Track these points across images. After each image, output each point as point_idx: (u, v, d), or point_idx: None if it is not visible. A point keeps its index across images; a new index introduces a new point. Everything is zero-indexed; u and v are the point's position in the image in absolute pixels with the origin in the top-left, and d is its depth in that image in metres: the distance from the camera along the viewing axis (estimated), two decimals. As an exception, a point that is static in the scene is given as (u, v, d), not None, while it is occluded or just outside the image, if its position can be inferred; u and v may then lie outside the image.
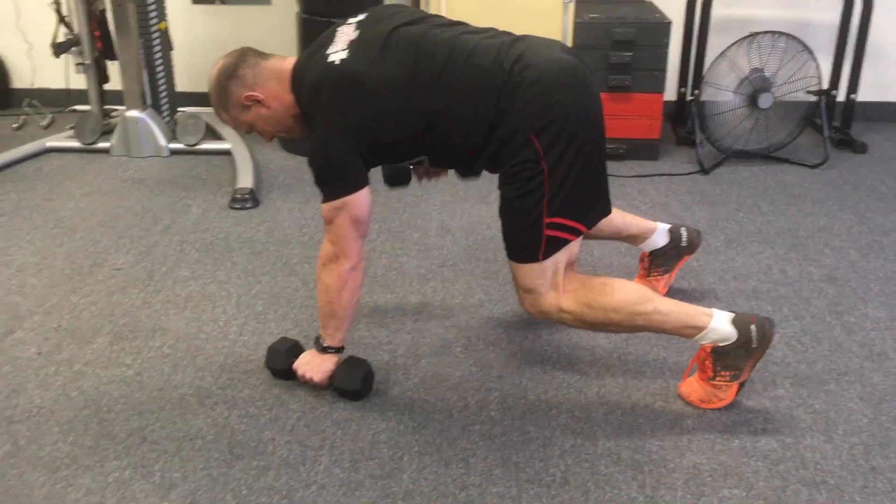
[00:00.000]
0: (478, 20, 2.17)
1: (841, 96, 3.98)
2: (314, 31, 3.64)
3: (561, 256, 2.00)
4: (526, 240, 1.97)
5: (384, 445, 1.94)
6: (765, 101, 3.55)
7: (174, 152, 3.79)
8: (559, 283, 2.01)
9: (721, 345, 1.96)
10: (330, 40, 2.02)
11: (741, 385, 2.00)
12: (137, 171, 3.60)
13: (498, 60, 1.90)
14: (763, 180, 3.52)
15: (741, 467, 1.86)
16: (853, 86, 3.91)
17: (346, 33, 2.01)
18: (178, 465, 1.87)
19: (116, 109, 4.09)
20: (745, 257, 2.83)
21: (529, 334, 2.38)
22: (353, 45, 1.96)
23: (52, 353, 2.28)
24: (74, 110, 4.34)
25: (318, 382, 2.09)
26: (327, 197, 1.96)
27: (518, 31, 2.05)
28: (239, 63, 2.04)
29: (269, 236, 2.98)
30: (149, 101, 3.80)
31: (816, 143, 3.89)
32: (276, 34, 4.21)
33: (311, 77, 1.97)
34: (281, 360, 2.14)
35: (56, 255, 2.84)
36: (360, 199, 1.96)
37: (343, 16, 3.54)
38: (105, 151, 3.79)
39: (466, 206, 3.24)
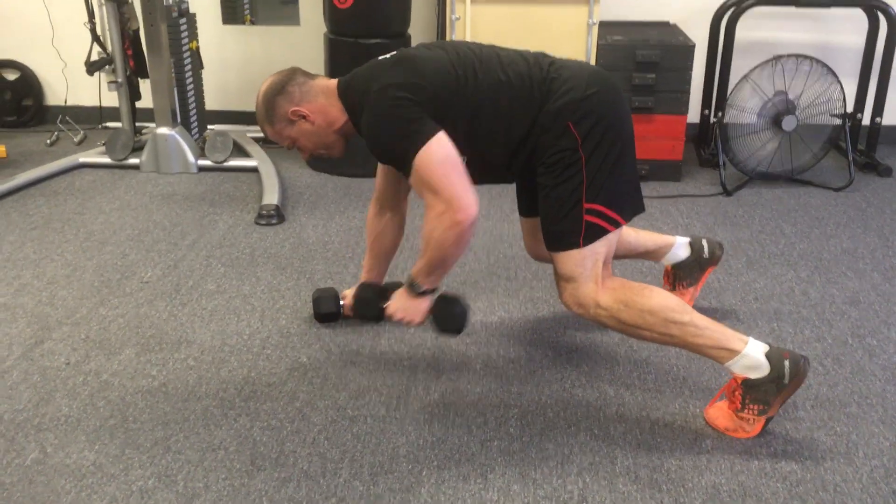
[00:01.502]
0: (503, 41, 2.24)
1: (866, 120, 3.97)
2: (341, 51, 3.73)
3: (601, 248, 2.03)
4: (566, 226, 2.02)
5: (403, 459, 1.95)
6: (788, 123, 3.55)
7: (202, 169, 3.86)
8: (598, 276, 2.04)
9: (752, 377, 1.96)
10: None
11: (768, 420, 2.00)
12: (166, 187, 3.66)
13: (536, 63, 2.05)
14: (786, 203, 3.52)
15: (760, 488, 1.86)
16: (878, 109, 3.90)
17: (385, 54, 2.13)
18: (202, 475, 1.90)
19: (147, 126, 4.18)
20: (767, 279, 2.83)
21: (549, 352, 2.40)
22: (398, 50, 2.11)
23: (80, 363, 2.33)
24: (106, 127, 4.43)
25: (417, 323, 2.15)
26: (411, 154, 1.92)
27: (545, 52, 2.17)
28: (288, 81, 2.14)
29: (293, 252, 3.02)
30: (178, 118, 3.87)
31: (840, 166, 3.89)
32: (304, 54, 4.29)
33: (360, 74, 2.11)
34: (371, 306, 2.25)
35: (86, 267, 2.90)
36: (443, 137, 1.95)
37: (370, 36, 3.65)
38: (135, 167, 3.86)
39: (489, 224, 3.26)
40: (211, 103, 4.25)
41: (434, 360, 2.36)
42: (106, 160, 3.88)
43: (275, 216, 3.29)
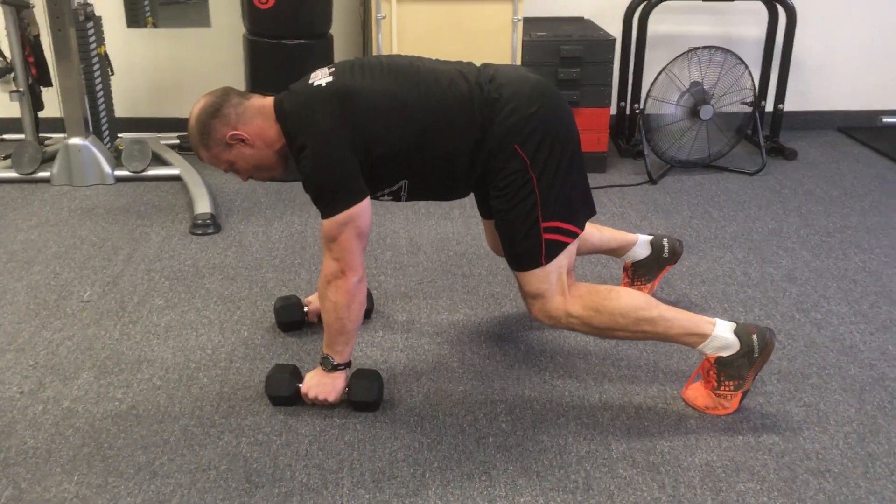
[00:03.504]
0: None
1: (769, 107, 4.19)
2: (263, 52, 3.64)
3: (563, 261, 2.06)
4: (527, 247, 2.04)
5: (403, 463, 1.93)
6: (706, 112, 3.71)
7: (119, 179, 3.68)
8: (564, 287, 2.07)
9: (724, 355, 2.04)
10: (307, 78, 2.08)
11: (744, 393, 2.09)
12: (84, 200, 3.48)
13: (477, 82, 2.02)
14: (708, 188, 3.68)
15: (750, 462, 1.94)
16: (780, 96, 4.12)
17: (322, 71, 2.08)
18: (197, 497, 1.82)
19: (50, 137, 3.95)
20: (709, 262, 2.95)
21: (522, 346, 2.42)
22: (335, 74, 2.03)
23: (35, 391, 2.19)
24: (3, 139, 4.16)
25: (332, 402, 2.08)
26: (330, 212, 1.95)
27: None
28: (222, 102, 2.04)
29: (238, 261, 2.93)
30: (91, 127, 3.68)
31: (750, 151, 4.09)
32: (217, 56, 4.16)
33: (298, 100, 2.02)
34: (285, 387, 2.12)
35: (16, 289, 2.72)
36: (364, 210, 1.97)
37: (292, 37, 3.57)
38: (46, 181, 3.65)
39: (431, 223, 3.26)
40: (119, 110, 4.06)
41: (410, 361, 2.34)
42: (12, 174, 3.64)
43: (211, 225, 3.18)
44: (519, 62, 3.63)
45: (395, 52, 3.56)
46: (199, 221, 3.18)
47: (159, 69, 4.21)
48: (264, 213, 3.36)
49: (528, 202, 1.99)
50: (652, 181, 3.72)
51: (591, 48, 3.68)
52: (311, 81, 2.02)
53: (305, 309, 2.47)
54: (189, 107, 4.31)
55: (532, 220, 2.00)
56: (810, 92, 4.41)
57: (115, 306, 2.62)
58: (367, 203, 1.98)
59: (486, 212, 2.31)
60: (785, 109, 4.16)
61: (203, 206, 3.28)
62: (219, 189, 3.59)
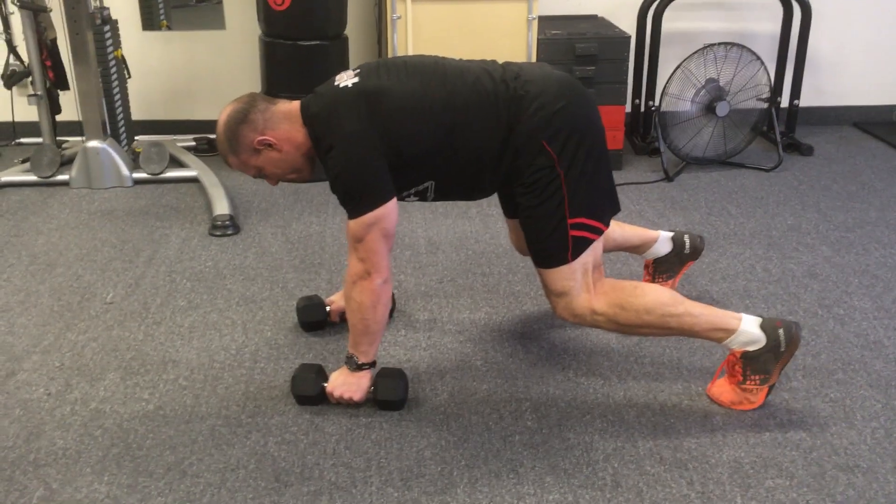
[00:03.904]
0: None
1: (784, 102, 4.18)
2: (279, 53, 3.65)
3: (588, 258, 2.06)
4: (553, 244, 2.03)
5: (430, 462, 1.94)
6: (722, 109, 3.70)
7: (138, 182, 3.70)
8: (590, 284, 2.07)
9: (750, 349, 2.04)
10: (333, 80, 2.09)
11: (770, 388, 2.09)
12: (103, 203, 3.49)
13: (502, 79, 2.02)
14: (724, 185, 3.67)
15: (778, 458, 1.94)
16: (796, 92, 4.11)
17: (348, 73, 2.08)
18: (227, 496, 1.83)
19: (68, 140, 3.98)
20: (728, 258, 2.95)
21: (545, 344, 2.42)
22: (361, 75, 2.04)
23: (62, 392, 2.20)
24: (20, 143, 4.18)
25: (358, 400, 2.08)
26: (357, 213, 1.96)
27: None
28: (249, 108, 2.05)
29: (259, 262, 2.94)
30: (108, 130, 3.69)
31: (765, 147, 4.08)
32: (232, 59, 4.17)
33: (324, 103, 2.03)
34: (311, 386, 2.12)
35: (40, 292, 2.74)
36: (390, 210, 1.97)
37: (308, 38, 3.59)
38: (64, 184, 3.67)
39: (449, 221, 3.26)
40: (136, 113, 4.07)
41: (433, 360, 2.34)
42: (31, 178, 3.66)
43: (230, 226, 3.19)
44: (535, 61, 3.63)
45: (410, 52, 3.56)
46: (219, 223, 3.19)
47: (175, 72, 4.23)
48: (282, 213, 3.37)
49: (556, 199, 2.00)
50: (668, 178, 3.72)
51: (606, 46, 3.68)
52: (336, 83, 2.03)
53: (328, 308, 2.48)
54: (204, 109, 4.37)
55: (559, 216, 2.00)
56: (825, 87, 4.40)
57: (138, 308, 2.63)
58: (393, 204, 1.98)
59: (510, 210, 2.31)
60: (800, 105, 4.15)
61: (222, 207, 3.30)
62: (236, 190, 3.61)
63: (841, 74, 4.39)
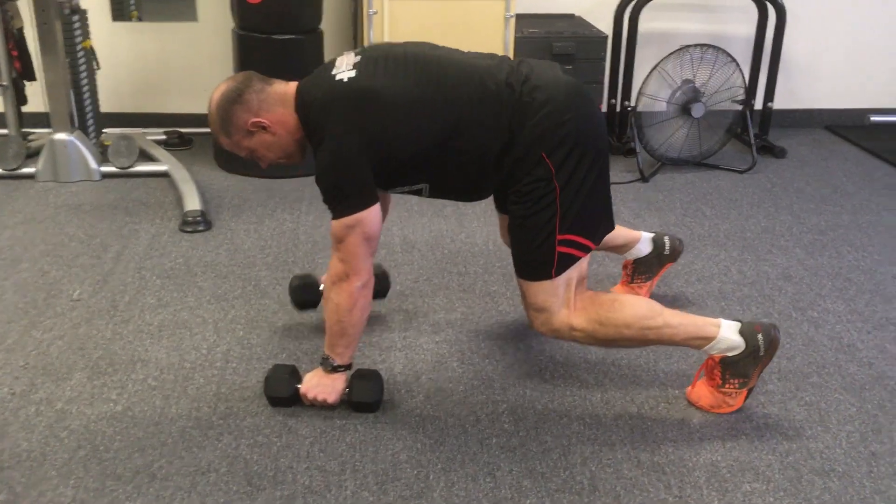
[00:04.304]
0: (422, 36, 2.22)
1: (758, 105, 4.19)
2: (252, 47, 3.60)
3: (573, 273, 2.03)
4: (538, 257, 2.00)
5: (406, 465, 1.91)
6: (697, 110, 3.71)
7: (106, 175, 3.62)
8: (570, 300, 2.04)
9: (730, 355, 2.03)
10: (331, 65, 2.02)
11: (749, 391, 2.08)
12: (70, 197, 3.42)
13: (508, 82, 1.94)
14: (699, 186, 3.68)
15: (755, 462, 1.94)
16: (770, 94, 4.14)
17: (348, 58, 2.02)
18: (198, 500, 1.79)
19: (33, 132, 3.88)
20: (703, 260, 2.95)
21: (521, 345, 2.40)
22: (359, 66, 1.96)
23: (27, 392, 2.14)
24: (-16, 135, 4.07)
25: (332, 403, 2.05)
26: (339, 214, 1.92)
27: (462, 46, 2.12)
28: (244, 88, 2.00)
29: (231, 259, 2.89)
30: (76, 122, 3.62)
31: (738, 149, 4.09)
32: (205, 51, 4.10)
33: (318, 94, 1.95)
34: (284, 388, 2.08)
35: (4, 288, 2.66)
36: (373, 216, 1.93)
37: (282, 32, 3.53)
38: (30, 177, 3.58)
39: (424, 220, 3.23)
40: (104, 105, 3.99)
41: (409, 361, 2.31)
42: (-4, 170, 3.57)
43: (201, 222, 3.13)
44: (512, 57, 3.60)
45: (386, 47, 3.52)
46: (190, 218, 3.13)
47: (145, 64, 4.15)
48: (255, 210, 3.32)
49: (548, 212, 1.94)
50: (644, 179, 3.71)
51: (584, 45, 3.67)
52: (333, 72, 1.96)
53: (321, 287, 2.42)
54: (175, 102, 4.30)
55: (548, 231, 1.95)
56: (798, 90, 4.43)
57: (106, 305, 2.57)
58: (377, 209, 1.94)
59: (502, 206, 2.26)
60: (773, 108, 4.17)
61: (193, 202, 3.24)
62: (208, 185, 3.55)
63: (814, 78, 4.43)
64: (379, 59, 1.97)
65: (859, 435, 2.04)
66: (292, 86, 2.05)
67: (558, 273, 2.00)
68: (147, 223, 3.17)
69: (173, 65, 4.15)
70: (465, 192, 2.13)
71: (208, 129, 3.94)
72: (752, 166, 3.86)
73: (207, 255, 2.92)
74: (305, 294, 2.43)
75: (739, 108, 3.88)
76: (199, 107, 4.13)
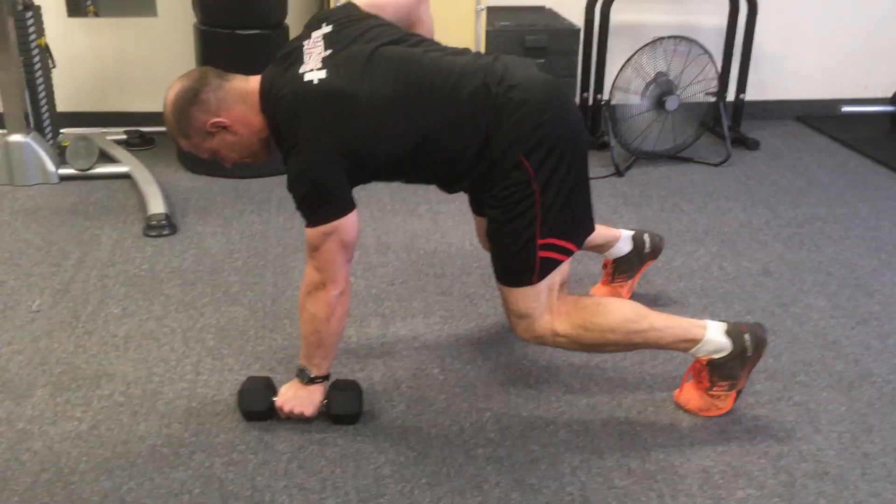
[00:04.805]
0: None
1: (730, 97, 4.16)
2: (215, 43, 3.48)
3: (555, 278, 1.95)
4: (519, 263, 1.92)
5: (390, 480, 1.83)
6: (671, 103, 3.66)
7: (64, 178, 3.48)
8: (553, 305, 1.96)
9: (717, 357, 1.98)
10: (298, 58, 1.89)
11: (738, 393, 2.03)
12: (27, 201, 3.28)
13: (485, 82, 1.84)
14: (675, 180, 3.63)
15: (747, 466, 1.89)
16: (742, 86, 4.10)
17: (316, 50, 1.89)
18: (171, 525, 1.70)
19: (-17, 134, 3.73)
20: (683, 256, 2.90)
21: (503, 349, 2.33)
22: (329, 63, 1.84)
23: (-15, 412, 2.03)
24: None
25: (310, 415, 1.96)
26: (315, 222, 1.83)
27: (433, 38, 2.01)
28: (200, 86, 1.88)
29: (198, 264, 2.78)
30: (32, 123, 3.47)
31: (711, 141, 4.06)
32: (165, 48, 3.96)
33: (287, 96, 1.84)
34: (259, 401, 1.99)
35: (-42, 300, 2.54)
36: (350, 222, 1.85)
37: (246, 27, 3.42)
38: (-16, 181, 3.43)
39: (398, 220, 3.15)
40: (61, 105, 3.84)
41: (387, 368, 2.24)
42: (-53, 174, 3.42)
43: (166, 226, 3.01)
44: (483, 51, 3.53)
45: (354, 42, 3.42)
46: (154, 222, 3.02)
47: (103, 61, 4.01)
48: (222, 212, 3.21)
49: (527, 216, 1.86)
50: (619, 173, 3.66)
51: (556, 38, 3.61)
52: (301, 72, 1.84)
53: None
54: (135, 101, 4.16)
55: (528, 235, 1.87)
56: (768, 81, 4.41)
57: (67, 316, 2.46)
58: (353, 215, 1.85)
59: (479, 208, 2.19)
60: (745, 99, 4.14)
61: (157, 205, 3.12)
62: (172, 187, 3.43)
63: (785, 68, 4.41)
64: (353, 55, 1.85)
65: (850, 435, 2.00)
66: (254, 81, 1.93)
67: (540, 278, 1.93)
68: (109, 228, 3.05)
69: (133, 61, 4.01)
70: (441, 186, 2.05)
71: None
72: (727, 159, 3.83)
73: (173, 260, 2.81)
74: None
75: (713, 100, 3.84)
76: (160, 105, 4.00)
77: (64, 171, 3.49)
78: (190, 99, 1.88)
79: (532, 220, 1.87)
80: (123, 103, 4.06)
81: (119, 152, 3.69)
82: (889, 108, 4.26)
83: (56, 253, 2.85)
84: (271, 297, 2.56)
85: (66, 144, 3.60)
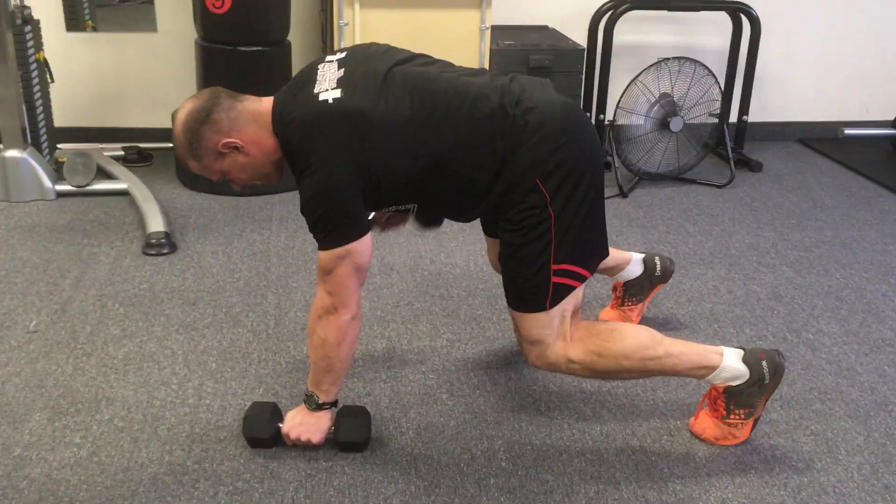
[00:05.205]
0: (395, 45, 2.06)
1: (732, 118, 4.15)
2: (217, 59, 3.45)
3: (568, 304, 1.91)
4: (532, 288, 1.88)
5: (400, 511, 1.78)
6: (676, 124, 3.64)
7: (61, 195, 3.43)
8: (566, 332, 1.92)
9: (734, 384, 1.94)
10: (312, 79, 1.86)
11: (755, 421, 1.99)
12: (24, 218, 3.22)
13: (501, 104, 1.81)
14: (679, 202, 3.60)
15: (766, 498, 1.84)
16: (744, 107, 4.09)
17: (330, 71, 1.86)
18: (175, 558, 1.64)
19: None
20: (691, 280, 2.86)
21: (512, 374, 2.29)
22: (344, 84, 1.81)
23: (-20, 437, 1.97)
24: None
25: (317, 443, 1.90)
26: (329, 245, 1.78)
27: (437, 57, 1.98)
28: (212, 106, 1.84)
29: (199, 284, 2.73)
30: (29, 139, 3.42)
31: (714, 163, 4.04)
32: (166, 63, 3.93)
33: (301, 116, 1.80)
34: (265, 428, 1.94)
35: (-47, 319, 2.48)
36: (364, 246, 1.80)
37: (248, 43, 3.39)
38: (-21, 197, 3.37)
39: (401, 240, 3.10)
40: (59, 120, 3.79)
41: (395, 394, 2.18)
42: (-59, 190, 3.36)
43: (166, 245, 2.96)
44: (489, 69, 3.50)
45: (357, 60, 3.38)
46: (153, 241, 2.96)
47: (102, 76, 3.96)
48: (222, 230, 3.15)
49: (542, 241, 1.83)
50: (623, 194, 3.63)
51: (560, 57, 3.58)
52: (315, 91, 1.80)
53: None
54: (134, 116, 4.11)
55: (542, 260, 1.84)
56: (770, 103, 4.40)
57: (65, 337, 2.40)
58: (368, 239, 1.81)
59: (491, 230, 2.15)
60: (749, 121, 4.13)
61: (156, 223, 3.07)
62: (171, 205, 3.37)
63: (786, 90, 4.40)
64: (368, 75, 1.82)
65: (870, 466, 1.95)
66: (266, 102, 1.90)
67: (553, 304, 1.88)
68: (107, 246, 2.99)
69: (131, 77, 3.97)
70: (455, 213, 2.02)
71: (169, 145, 3.86)
72: (731, 181, 3.80)
73: (173, 280, 2.75)
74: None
75: (716, 121, 3.82)
76: (159, 121, 3.98)
77: (61, 187, 3.44)
78: (202, 119, 1.84)
79: (547, 245, 1.84)
80: (121, 119, 4.01)
81: (117, 169, 3.64)
82: (891, 132, 4.26)
83: (53, 271, 2.79)
84: (274, 319, 2.51)
85: (63, 160, 3.54)
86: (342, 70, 1.84)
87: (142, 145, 3.91)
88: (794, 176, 3.96)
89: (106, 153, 3.80)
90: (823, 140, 4.41)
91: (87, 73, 3.94)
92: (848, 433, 2.07)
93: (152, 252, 2.93)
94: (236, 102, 1.87)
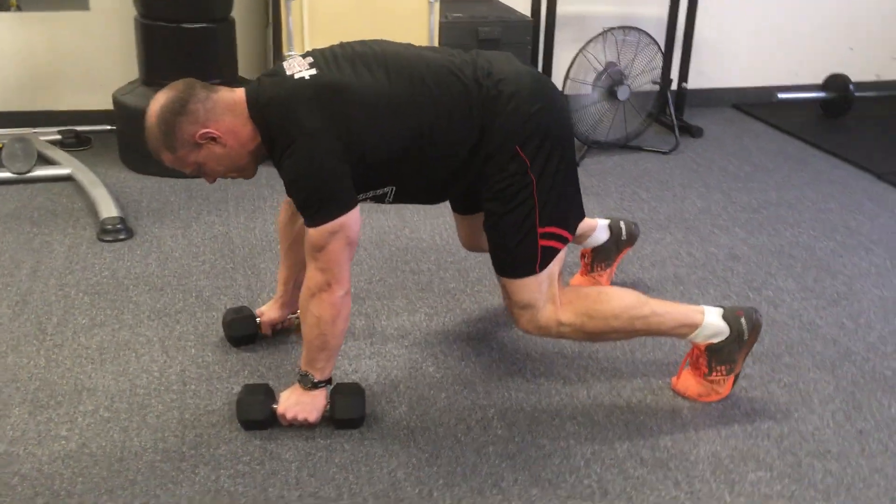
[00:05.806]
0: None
1: (673, 85, 4.24)
2: (159, 37, 3.35)
3: (555, 267, 1.96)
4: (521, 254, 1.92)
5: (406, 483, 1.80)
6: (623, 93, 3.70)
7: (2, 182, 3.29)
8: (555, 295, 1.97)
9: (715, 341, 2.01)
10: (281, 68, 1.87)
11: (736, 377, 2.07)
12: (-36, 208, 3.08)
13: (475, 77, 1.87)
14: (629, 169, 3.68)
15: (753, 449, 1.93)
16: (684, 75, 4.19)
17: (297, 61, 1.87)
18: (186, 545, 1.62)
19: None
20: (652, 244, 2.94)
21: (494, 344, 2.32)
22: (317, 64, 1.83)
23: (-41, 436, 1.89)
24: None
25: (313, 422, 1.90)
26: (320, 220, 1.77)
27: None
28: (188, 97, 1.81)
29: (163, 269, 2.67)
30: (-37, 124, 3.27)
31: (657, 130, 4.13)
32: (101, 42, 3.78)
33: (278, 95, 1.80)
34: (259, 410, 1.92)
35: None
36: (354, 219, 1.81)
37: (192, 20, 3.30)
38: (-88, 187, 3.21)
39: (363, 216, 3.07)
40: (-13, 105, 3.63)
41: (382, 370, 2.19)
42: None
43: (122, 230, 2.87)
44: (437, 44, 3.49)
45: (306, 36, 3.34)
46: (109, 227, 2.87)
47: (32, 57, 3.80)
48: (178, 213, 3.08)
49: (526, 206, 1.87)
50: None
51: (509, 29, 3.60)
52: (289, 73, 1.81)
53: (258, 321, 2.26)
54: (69, 98, 3.96)
55: (529, 225, 1.88)
56: (707, 70, 4.51)
57: (32, 329, 2.32)
58: (357, 212, 1.81)
59: (461, 207, 2.18)
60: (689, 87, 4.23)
61: (108, 209, 2.97)
62: (120, 189, 3.27)
63: (721, 57, 4.51)
64: (339, 58, 1.85)
65: (843, 413, 2.06)
66: (240, 92, 1.89)
67: (542, 267, 1.93)
68: (59, 234, 2.89)
69: (65, 58, 3.81)
70: (433, 193, 2.06)
71: (108, 127, 3.75)
72: (675, 147, 3.90)
73: (135, 266, 2.68)
74: (241, 329, 2.24)
75: (657, 88, 3.90)
76: (96, 102, 3.84)
77: (0, 174, 3.29)
78: (177, 110, 1.80)
79: (531, 210, 1.88)
80: (56, 102, 3.85)
81: (57, 153, 3.50)
82: (821, 95, 4.42)
83: (6, 262, 2.68)
84: (246, 300, 2.48)
85: (0, 146, 3.39)
86: (309, 58, 1.87)
87: (78, 128, 3.77)
88: (734, 140, 4.09)
89: (42, 137, 3.65)
90: (757, 105, 4.55)
91: (16, 55, 3.77)
92: (818, 383, 2.18)
93: (109, 238, 2.85)
94: (211, 93, 1.85)
